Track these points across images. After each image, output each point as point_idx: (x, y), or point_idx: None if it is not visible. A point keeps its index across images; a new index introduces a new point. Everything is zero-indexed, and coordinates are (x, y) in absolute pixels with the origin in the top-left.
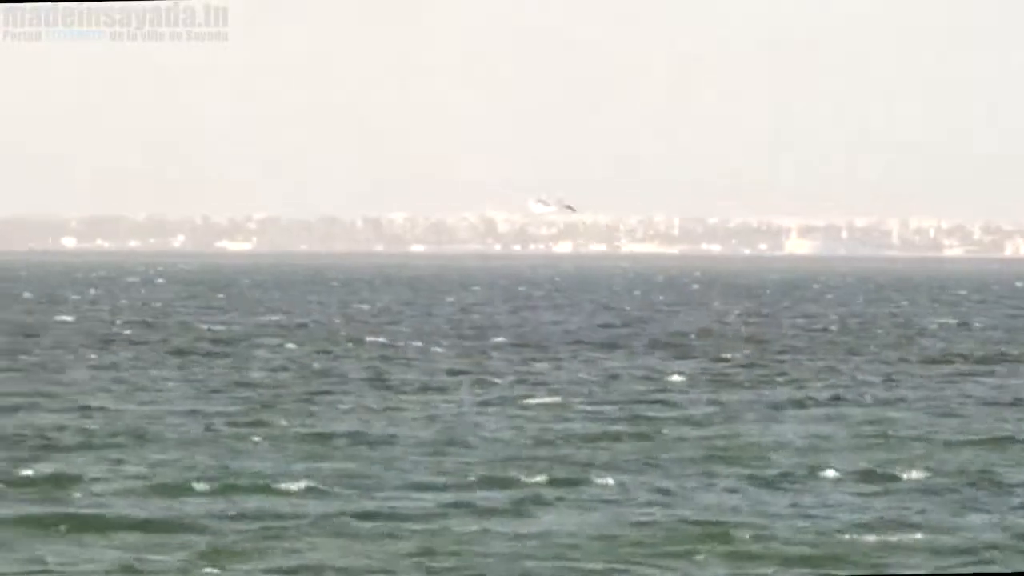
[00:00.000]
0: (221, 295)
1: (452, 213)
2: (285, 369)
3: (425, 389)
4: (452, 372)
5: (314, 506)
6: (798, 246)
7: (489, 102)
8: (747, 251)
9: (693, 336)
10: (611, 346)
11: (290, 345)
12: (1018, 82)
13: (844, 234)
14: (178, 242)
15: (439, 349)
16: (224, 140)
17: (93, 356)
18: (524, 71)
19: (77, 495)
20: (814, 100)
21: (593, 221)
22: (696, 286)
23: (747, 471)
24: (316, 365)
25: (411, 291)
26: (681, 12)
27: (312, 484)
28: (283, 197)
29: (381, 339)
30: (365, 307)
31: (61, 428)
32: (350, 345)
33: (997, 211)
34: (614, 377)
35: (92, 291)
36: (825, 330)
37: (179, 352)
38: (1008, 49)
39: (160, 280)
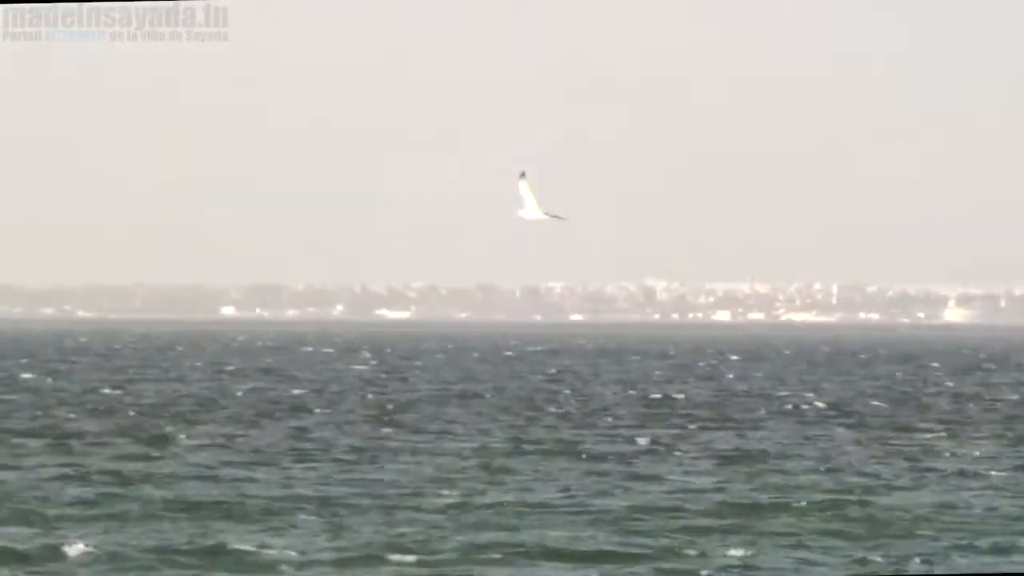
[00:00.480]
0: (480, 365)
1: (610, 282)
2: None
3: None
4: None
5: None
6: (957, 315)
7: (643, 172)
8: (905, 320)
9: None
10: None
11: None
12: None
13: (1003, 303)
14: (337, 311)
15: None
16: (378, 209)
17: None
18: (680, 140)
19: None
20: (974, 168)
21: (752, 290)
22: (936, 363)
23: None
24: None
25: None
26: (830, 87)
27: None
28: (441, 265)
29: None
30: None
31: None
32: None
33: None
34: None
35: (361, 365)
36: None
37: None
38: None
39: (366, 352)
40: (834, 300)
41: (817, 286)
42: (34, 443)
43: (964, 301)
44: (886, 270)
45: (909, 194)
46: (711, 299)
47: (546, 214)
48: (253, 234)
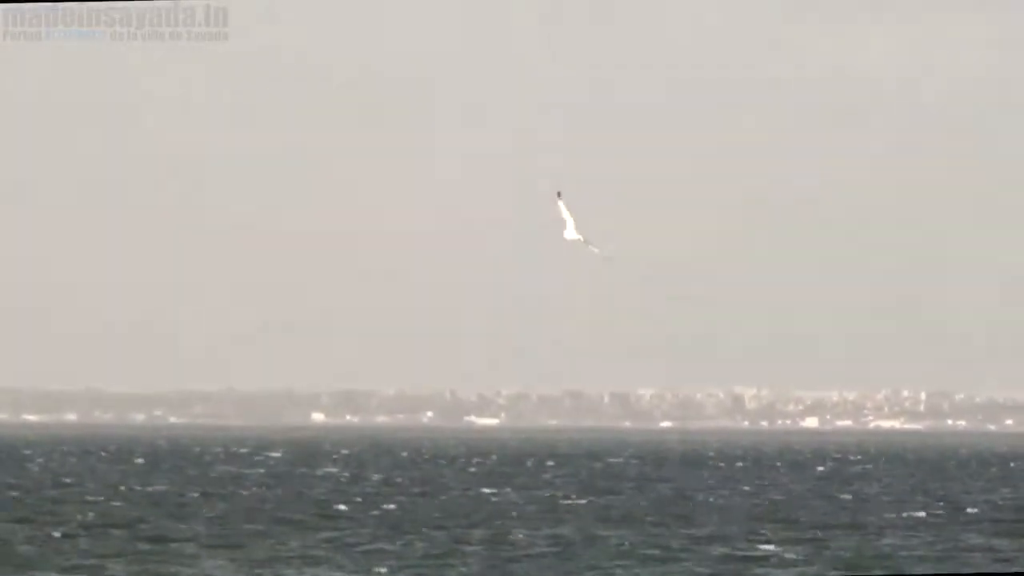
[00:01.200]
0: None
1: (700, 389)
2: None
3: None
4: None
5: None
6: None
7: (728, 270)
8: (992, 427)
9: None
10: None
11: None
12: None
13: None
14: (426, 417)
15: None
16: (462, 319)
17: None
18: (759, 238)
19: None
20: None
21: (840, 397)
22: None
23: None
24: None
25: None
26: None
27: None
28: (530, 373)
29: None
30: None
31: None
32: None
33: None
34: None
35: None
36: None
37: None
38: None
39: (551, 462)
40: (922, 407)
41: (905, 393)
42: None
43: None
44: (973, 377)
45: (999, 297)
46: (800, 407)
47: (582, 237)
48: (342, 337)
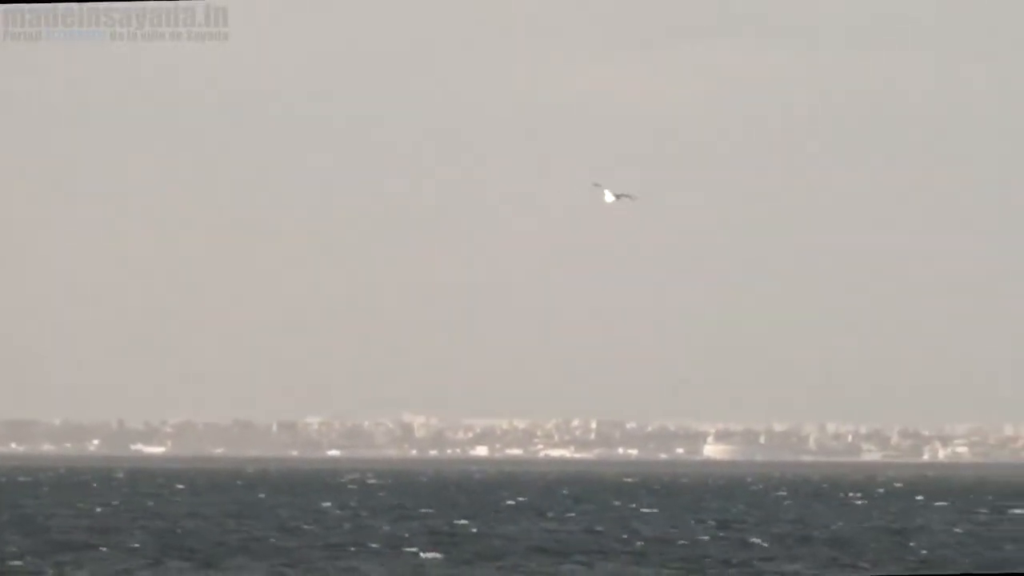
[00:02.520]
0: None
1: (368, 417)
2: None
3: None
4: None
5: None
6: (716, 451)
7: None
8: (663, 455)
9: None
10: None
11: None
12: (938, 290)
13: (762, 439)
14: (93, 446)
15: None
16: (128, 346)
17: None
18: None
19: None
20: (725, 300)
21: (510, 425)
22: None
23: None
24: None
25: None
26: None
27: None
28: (197, 401)
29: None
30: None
31: None
32: None
33: (915, 417)
34: None
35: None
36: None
37: None
38: (921, 260)
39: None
40: (592, 436)
41: (575, 422)
42: None
43: (723, 437)
44: (644, 406)
45: (665, 330)
46: (469, 434)
47: (615, 196)
48: (6, 366)
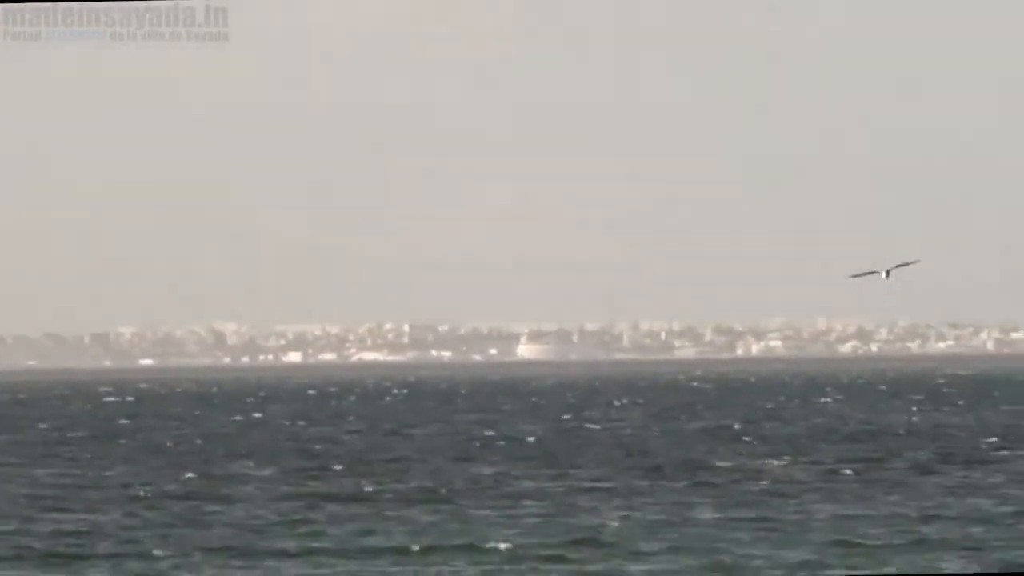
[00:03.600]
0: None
1: (180, 326)
2: None
3: None
4: None
5: None
6: (529, 351)
7: (202, 206)
8: (478, 357)
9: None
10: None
11: None
12: (730, 184)
13: (575, 338)
14: None
15: None
16: None
17: None
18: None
19: None
20: (546, 207)
21: (323, 331)
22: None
23: None
24: None
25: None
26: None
27: None
28: (5, 315)
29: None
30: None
31: None
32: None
33: (728, 313)
34: None
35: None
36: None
37: None
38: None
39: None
40: (406, 339)
41: (388, 325)
42: None
43: (536, 337)
44: (458, 307)
45: (485, 230)
46: (282, 341)
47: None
48: None
